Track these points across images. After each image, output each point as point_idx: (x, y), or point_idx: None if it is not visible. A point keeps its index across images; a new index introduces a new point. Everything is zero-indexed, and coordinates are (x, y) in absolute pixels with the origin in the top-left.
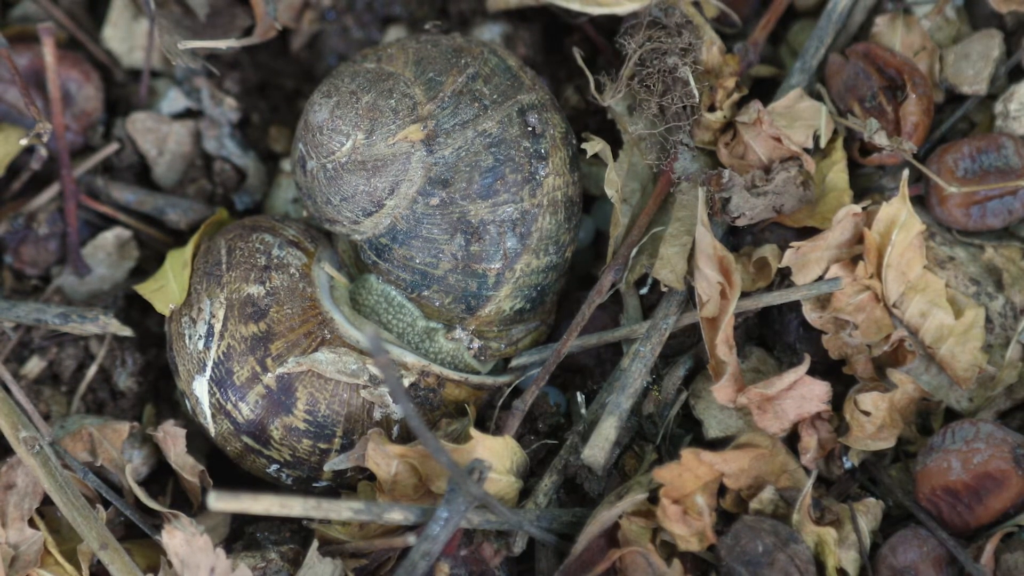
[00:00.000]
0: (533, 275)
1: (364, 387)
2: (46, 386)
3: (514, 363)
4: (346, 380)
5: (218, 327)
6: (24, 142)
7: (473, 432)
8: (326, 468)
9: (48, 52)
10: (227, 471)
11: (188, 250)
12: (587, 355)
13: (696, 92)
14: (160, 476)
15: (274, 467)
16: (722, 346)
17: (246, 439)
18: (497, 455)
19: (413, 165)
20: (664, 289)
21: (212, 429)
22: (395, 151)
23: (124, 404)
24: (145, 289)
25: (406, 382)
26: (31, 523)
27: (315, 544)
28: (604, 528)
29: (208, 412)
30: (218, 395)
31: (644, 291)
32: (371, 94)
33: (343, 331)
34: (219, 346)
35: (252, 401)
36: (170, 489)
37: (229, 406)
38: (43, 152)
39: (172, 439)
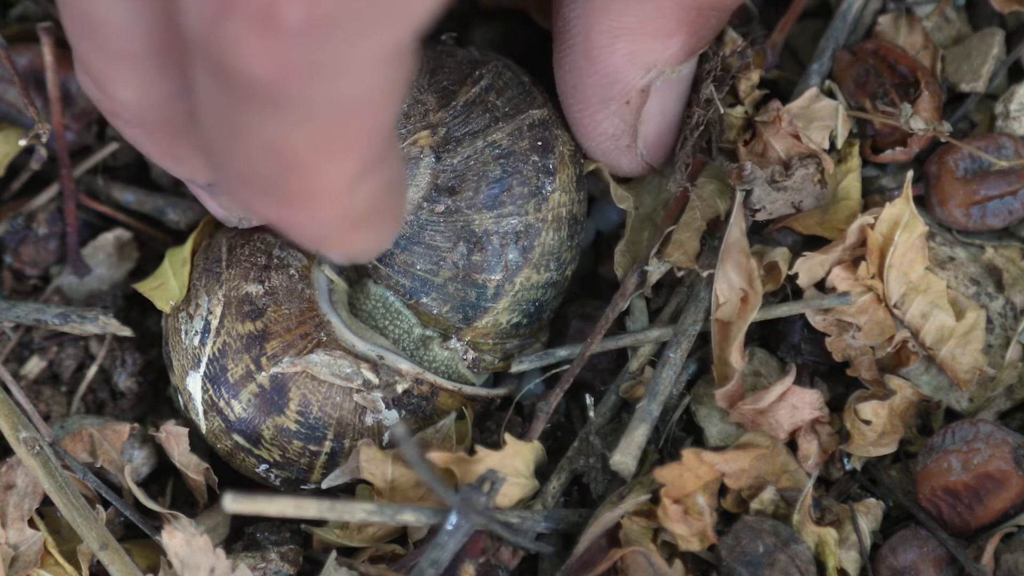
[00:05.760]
0: (533, 290)
1: (357, 391)
2: (46, 386)
3: (515, 368)
4: (340, 383)
5: (215, 323)
6: (23, 143)
7: (508, 437)
8: (324, 485)
9: (47, 52)
10: (228, 470)
11: (187, 248)
12: (586, 367)
13: (720, 108)
14: (160, 476)
15: (263, 467)
16: (735, 354)
17: (237, 437)
18: (525, 460)
19: (421, 170)
20: (679, 273)
21: (203, 426)
22: (404, 155)
23: (124, 404)
24: (145, 287)
25: (399, 388)
26: (31, 523)
27: (333, 554)
28: (606, 528)
29: (200, 409)
30: (211, 392)
31: (651, 269)
32: None
33: (339, 334)
34: (215, 343)
35: (245, 399)
36: (170, 489)
37: (221, 403)
38: (43, 152)
39: (175, 439)
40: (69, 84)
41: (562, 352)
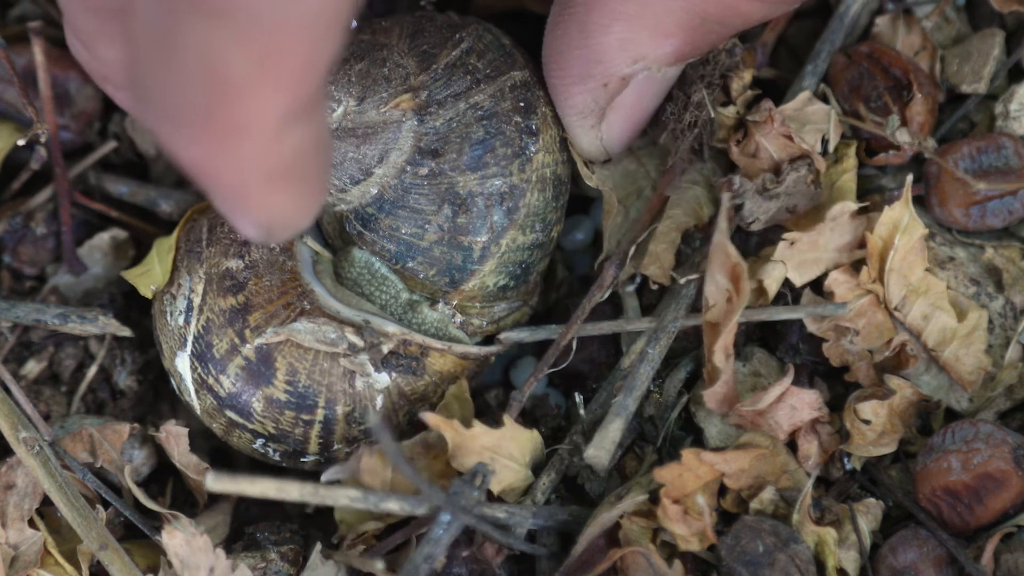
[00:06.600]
0: (518, 251)
1: (344, 356)
2: (46, 386)
3: (503, 337)
4: (325, 349)
5: (197, 301)
6: (22, 142)
7: (507, 419)
8: (324, 479)
9: (38, 51)
10: (227, 471)
11: (173, 236)
12: (583, 362)
13: (712, 111)
14: (160, 476)
15: (260, 441)
16: (719, 353)
17: (229, 413)
18: (520, 446)
19: (404, 134)
20: (653, 287)
21: (197, 406)
22: (386, 119)
23: (124, 404)
24: (131, 274)
25: (385, 349)
26: (31, 523)
27: (318, 547)
28: (605, 528)
29: (192, 388)
30: (199, 370)
31: (631, 288)
32: (364, 62)
33: (323, 302)
34: (198, 320)
35: (232, 373)
36: (170, 489)
37: (211, 380)
38: (43, 152)
39: (175, 439)
40: (69, 84)
41: (554, 327)
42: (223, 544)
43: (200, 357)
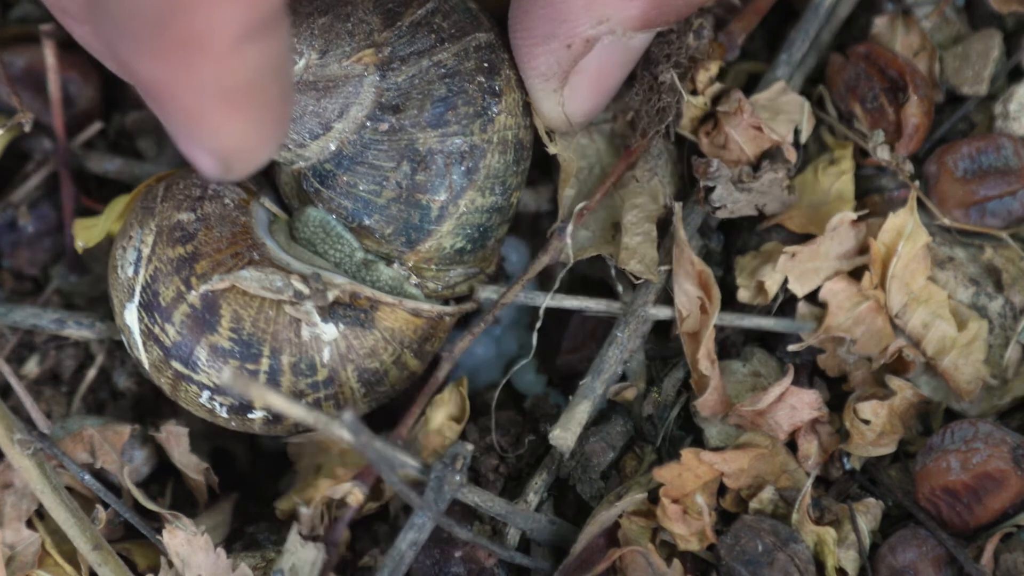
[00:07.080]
0: (477, 214)
1: (290, 304)
2: (46, 386)
3: (480, 292)
4: (270, 296)
5: (146, 252)
6: (2, 131)
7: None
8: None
9: (49, 53)
10: (227, 470)
11: (128, 197)
12: (582, 361)
13: (683, 94)
14: (160, 476)
15: (206, 395)
16: (704, 361)
17: (175, 364)
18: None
19: (365, 88)
20: (637, 281)
21: (145, 360)
22: (348, 72)
23: (124, 404)
24: (80, 224)
25: (330, 296)
26: (30, 524)
27: (295, 527)
28: (604, 528)
29: (139, 341)
30: (146, 320)
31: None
32: (328, 16)
33: (273, 254)
34: (147, 269)
35: (178, 321)
36: (170, 489)
37: (156, 329)
38: (47, 144)
39: (175, 439)
40: (69, 85)
41: (528, 290)
42: (223, 544)
43: (147, 307)
